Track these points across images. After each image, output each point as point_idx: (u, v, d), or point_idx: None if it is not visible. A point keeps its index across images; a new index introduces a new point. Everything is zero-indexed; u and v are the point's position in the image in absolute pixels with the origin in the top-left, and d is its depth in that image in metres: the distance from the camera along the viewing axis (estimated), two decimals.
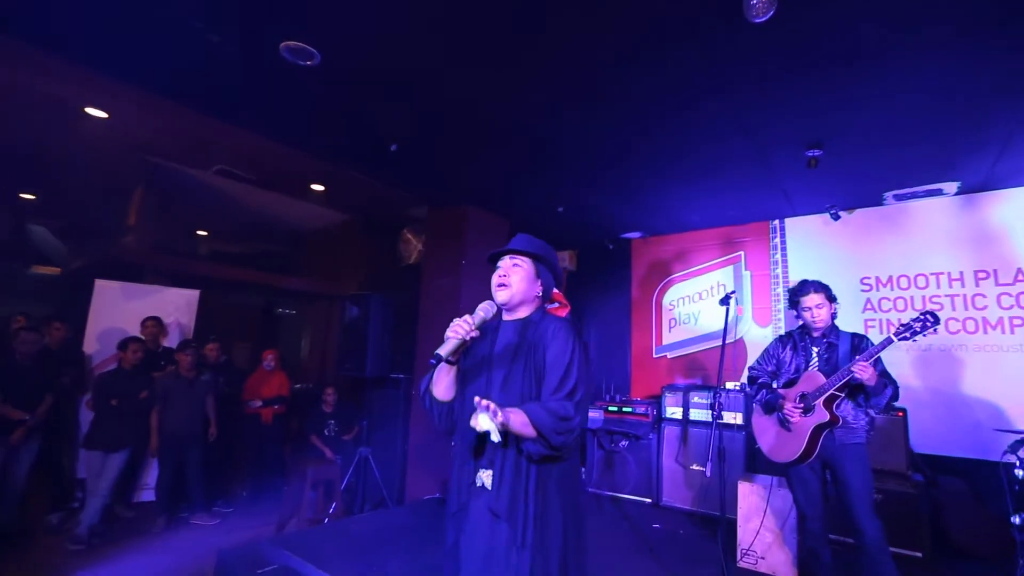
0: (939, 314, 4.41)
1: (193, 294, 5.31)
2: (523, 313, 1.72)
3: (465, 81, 2.95)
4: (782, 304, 5.09)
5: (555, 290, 1.90)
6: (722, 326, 5.32)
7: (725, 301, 3.31)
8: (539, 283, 1.75)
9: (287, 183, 5.03)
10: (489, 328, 1.74)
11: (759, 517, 3.41)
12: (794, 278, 5.02)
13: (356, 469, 4.58)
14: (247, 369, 5.35)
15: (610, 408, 5.09)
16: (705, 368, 5.44)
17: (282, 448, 5.12)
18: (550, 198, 4.78)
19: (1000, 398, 3.99)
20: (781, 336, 3.13)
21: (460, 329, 1.54)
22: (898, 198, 4.49)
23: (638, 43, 2.55)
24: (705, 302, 5.58)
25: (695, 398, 4.74)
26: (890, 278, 4.61)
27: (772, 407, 2.94)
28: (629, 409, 5.00)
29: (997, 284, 4.17)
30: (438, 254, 5.18)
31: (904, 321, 2.62)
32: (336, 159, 4.15)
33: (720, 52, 2.60)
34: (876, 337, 3.05)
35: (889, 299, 4.59)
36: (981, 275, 4.23)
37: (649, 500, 4.78)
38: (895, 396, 2.70)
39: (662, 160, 3.91)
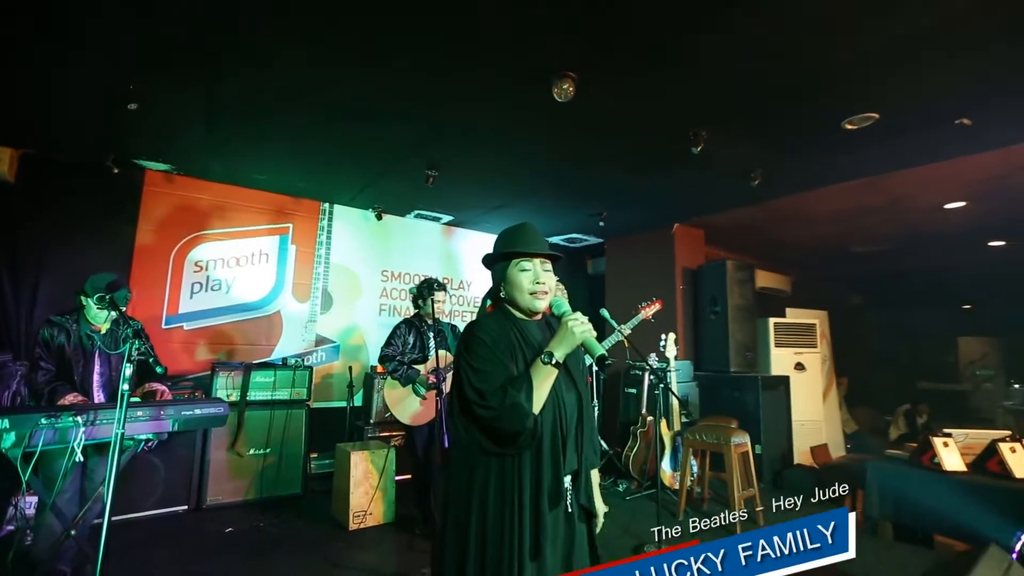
0: None
1: None
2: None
3: None
4: (322, 282, 5.38)
5: None
6: (258, 297, 5.10)
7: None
8: None
9: None
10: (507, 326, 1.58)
11: (368, 480, 3.76)
12: (335, 262, 5.46)
13: None
14: None
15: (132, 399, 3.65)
16: (233, 342, 4.84)
17: None
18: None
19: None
20: (406, 320, 3.75)
21: None
22: (418, 216, 5.93)
23: None
24: (243, 268, 4.97)
25: (257, 377, 4.24)
26: (399, 273, 5.95)
27: (411, 379, 3.55)
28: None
29: (452, 288, 6.33)
30: None
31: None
32: None
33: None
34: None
35: (397, 289, 5.91)
36: (446, 279, 6.28)
37: (185, 507, 3.80)
38: None
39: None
